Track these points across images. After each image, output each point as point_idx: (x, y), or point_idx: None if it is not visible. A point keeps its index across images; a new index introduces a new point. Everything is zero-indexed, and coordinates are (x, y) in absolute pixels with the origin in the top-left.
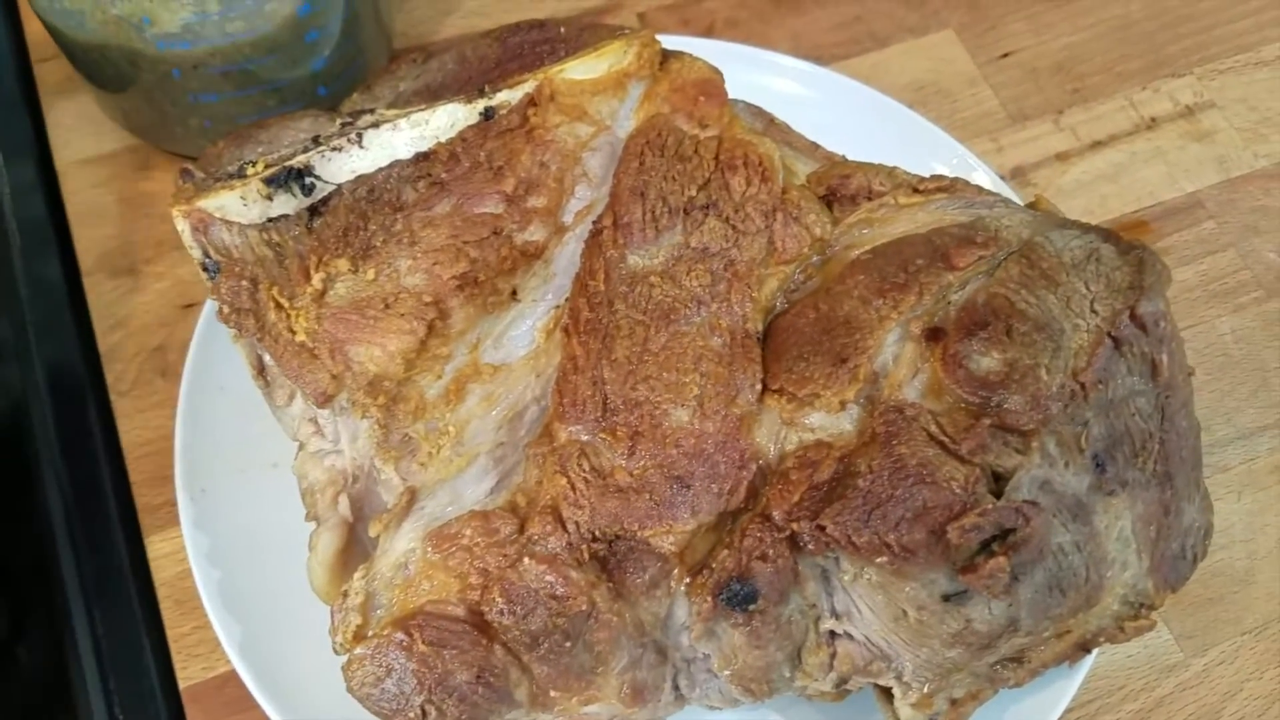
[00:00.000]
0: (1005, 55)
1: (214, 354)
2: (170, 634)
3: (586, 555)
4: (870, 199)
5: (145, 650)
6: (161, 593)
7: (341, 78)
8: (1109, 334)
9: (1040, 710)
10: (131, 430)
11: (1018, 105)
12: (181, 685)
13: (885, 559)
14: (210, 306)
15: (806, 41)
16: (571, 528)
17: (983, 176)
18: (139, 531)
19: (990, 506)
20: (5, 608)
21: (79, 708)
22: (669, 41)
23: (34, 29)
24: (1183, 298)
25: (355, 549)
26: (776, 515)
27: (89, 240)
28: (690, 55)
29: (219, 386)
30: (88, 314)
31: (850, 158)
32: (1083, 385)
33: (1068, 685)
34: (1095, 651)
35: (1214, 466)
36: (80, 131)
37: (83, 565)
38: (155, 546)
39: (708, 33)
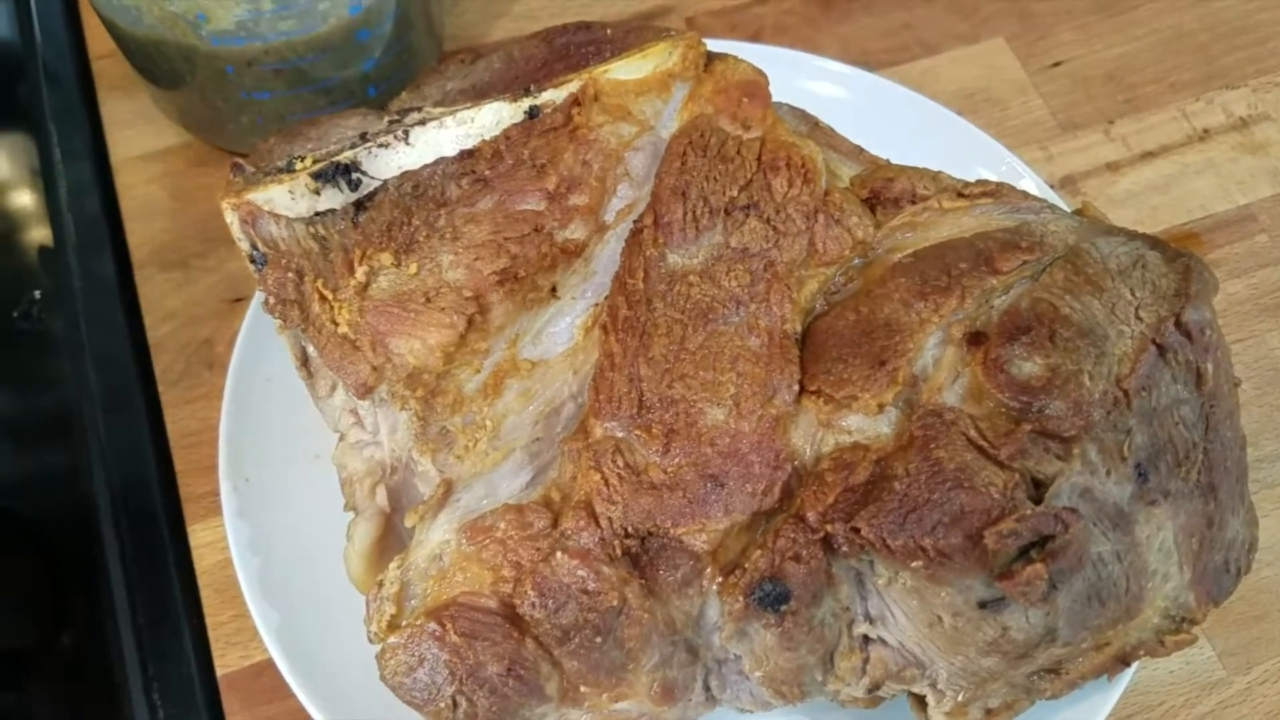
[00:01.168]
0: (1056, 64)
1: (261, 347)
2: (209, 622)
3: (619, 551)
4: (914, 203)
5: (185, 637)
6: (202, 581)
7: (391, 79)
8: (1153, 341)
9: None
10: (178, 420)
11: (1068, 114)
12: (219, 673)
13: (920, 563)
14: (258, 299)
15: (855, 48)
16: (605, 523)
17: (1030, 184)
18: (182, 520)
19: (1029, 512)
20: (51, 593)
21: (118, 692)
22: (716, 46)
23: (93, 24)
24: (1233, 311)
25: (392, 539)
26: (811, 517)
27: (142, 234)
28: (735, 57)
29: (265, 379)
30: (138, 306)
31: (899, 162)
32: (1126, 392)
33: (1106, 699)
34: (1135, 665)
35: (1261, 482)
36: (136, 128)
37: (126, 552)
38: (197, 535)
39: (755, 38)
